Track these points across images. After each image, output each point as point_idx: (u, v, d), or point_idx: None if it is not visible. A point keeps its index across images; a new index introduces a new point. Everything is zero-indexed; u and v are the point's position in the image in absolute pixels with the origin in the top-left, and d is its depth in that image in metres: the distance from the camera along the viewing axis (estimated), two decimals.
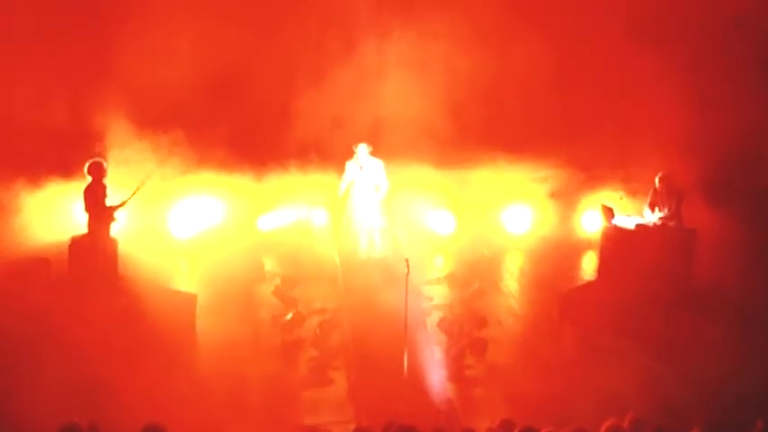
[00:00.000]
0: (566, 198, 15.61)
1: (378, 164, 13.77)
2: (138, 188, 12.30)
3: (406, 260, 10.65)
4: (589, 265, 14.49)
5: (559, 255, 14.72)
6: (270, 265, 14.01)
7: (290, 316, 12.14)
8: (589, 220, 15.12)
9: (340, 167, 14.20)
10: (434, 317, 12.50)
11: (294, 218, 14.87)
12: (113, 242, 12.20)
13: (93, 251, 12.07)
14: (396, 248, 14.02)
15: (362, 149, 13.70)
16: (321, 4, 15.50)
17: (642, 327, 12.05)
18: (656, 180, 13.34)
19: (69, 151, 13.27)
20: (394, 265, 12.77)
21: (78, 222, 12.42)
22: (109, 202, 12.13)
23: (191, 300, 12.42)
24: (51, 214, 13.27)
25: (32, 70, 13.87)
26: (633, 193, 14.47)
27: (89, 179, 12.08)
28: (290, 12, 15.56)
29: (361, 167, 13.74)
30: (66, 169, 13.22)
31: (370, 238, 13.81)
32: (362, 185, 13.81)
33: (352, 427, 9.17)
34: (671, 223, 13.14)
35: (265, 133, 15.30)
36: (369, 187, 13.80)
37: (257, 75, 15.31)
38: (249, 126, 15.35)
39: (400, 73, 15.24)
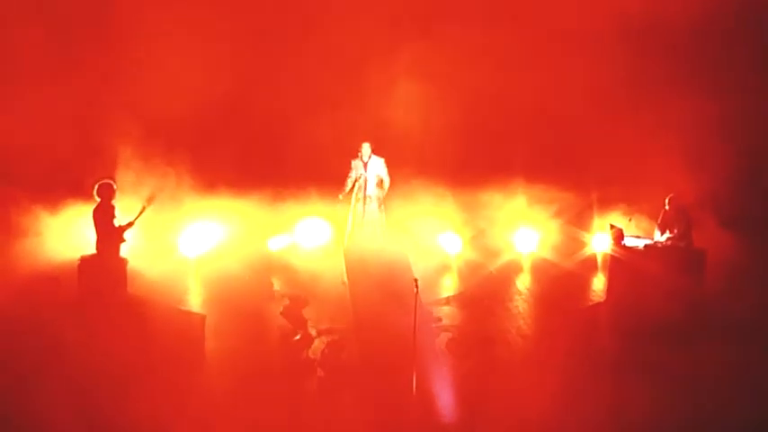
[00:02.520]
0: (575, 219, 15.59)
1: (380, 161, 14.71)
2: (145, 207, 12.37)
3: (415, 280, 10.68)
4: (598, 286, 14.45)
5: (568, 275, 14.68)
6: (279, 285, 14.01)
7: (298, 336, 12.14)
8: (598, 241, 15.09)
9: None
10: (443, 337, 12.47)
11: (294, 238, 15.05)
12: (122, 262, 12.26)
13: (101, 271, 12.12)
14: (398, 247, 14.55)
15: (366, 148, 14.69)
16: (334, 26, 15.65)
17: (652, 348, 12.00)
18: (666, 201, 13.35)
19: (85, 175, 13.38)
20: (400, 277, 12.89)
21: (91, 243, 12.51)
22: (117, 222, 12.21)
23: (200, 320, 12.42)
24: (68, 235, 13.35)
25: (48, 100, 14.06)
26: (642, 214, 14.48)
27: (98, 200, 12.19)
28: (303, 34, 15.73)
29: (365, 165, 14.66)
30: (80, 192, 13.33)
31: (372, 230, 14.71)
32: (367, 182, 14.71)
33: None
34: (681, 244, 13.13)
35: (275, 156, 15.44)
36: (372, 183, 14.71)
37: (267, 100, 15.49)
38: (259, 149, 15.48)
39: (413, 95, 15.41)
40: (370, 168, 14.70)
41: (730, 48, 15.46)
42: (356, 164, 14.73)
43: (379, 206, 14.80)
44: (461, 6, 15.98)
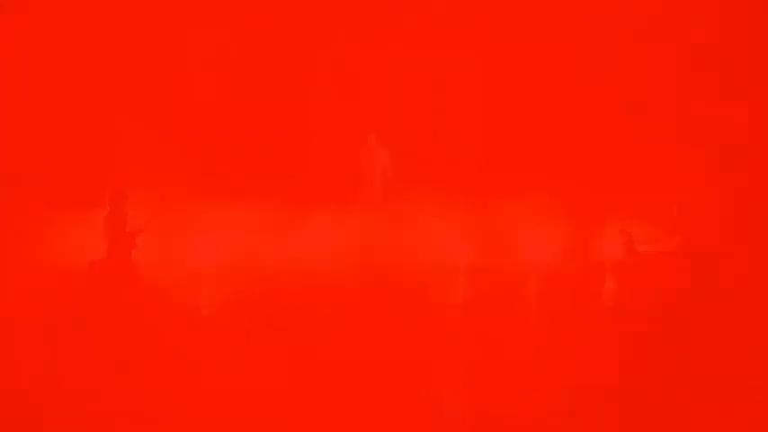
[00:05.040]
0: (587, 224, 15.57)
1: (385, 152, 15.97)
2: (154, 215, 12.46)
3: (424, 283, 10.69)
4: (609, 292, 14.41)
5: (579, 280, 14.65)
6: (287, 287, 14.04)
7: (306, 339, 12.15)
8: (610, 247, 15.05)
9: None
10: (453, 340, 12.45)
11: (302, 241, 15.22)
12: (133, 266, 12.32)
13: (112, 275, 12.20)
14: (408, 249, 14.98)
15: (372, 138, 15.91)
16: (350, 31, 15.74)
17: (662, 353, 11.94)
18: (677, 207, 13.32)
19: (98, 182, 13.49)
20: (409, 278, 13.08)
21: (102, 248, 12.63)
22: (128, 228, 12.30)
23: (209, 323, 12.45)
24: (79, 240, 13.46)
25: (62, 109, 14.19)
26: (654, 220, 14.44)
27: (110, 207, 12.29)
28: (318, 39, 15.84)
29: (373, 154, 15.88)
30: (93, 198, 13.44)
31: (381, 215, 15.73)
32: (374, 171, 15.93)
33: None
34: (690, 249, 13.09)
35: (287, 161, 15.55)
36: (378, 170, 15.93)
37: (278, 105, 15.59)
38: (271, 155, 15.57)
39: (430, 101, 15.52)
40: (377, 158, 15.85)
41: (750, 55, 15.43)
42: (363, 153, 15.84)
43: (386, 192, 15.89)
44: (485, 11, 16.04)
